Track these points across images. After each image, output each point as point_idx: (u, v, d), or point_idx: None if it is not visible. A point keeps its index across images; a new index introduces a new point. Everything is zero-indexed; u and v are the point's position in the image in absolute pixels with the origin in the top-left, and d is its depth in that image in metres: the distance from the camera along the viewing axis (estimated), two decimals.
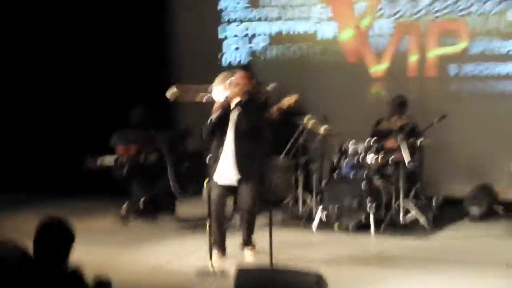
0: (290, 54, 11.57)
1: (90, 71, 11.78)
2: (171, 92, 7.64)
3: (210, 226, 7.46)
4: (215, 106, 7.48)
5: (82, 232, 8.95)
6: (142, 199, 9.91)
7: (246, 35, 11.75)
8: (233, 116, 7.62)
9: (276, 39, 11.61)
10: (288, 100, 9.14)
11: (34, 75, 12.09)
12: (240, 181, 7.63)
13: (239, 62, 11.65)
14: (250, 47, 11.76)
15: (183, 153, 10.20)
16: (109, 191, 10.45)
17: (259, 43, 11.71)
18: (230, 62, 11.74)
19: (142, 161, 9.98)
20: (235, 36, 11.82)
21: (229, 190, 7.78)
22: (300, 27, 11.47)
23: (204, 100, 7.60)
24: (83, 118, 11.79)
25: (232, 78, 7.46)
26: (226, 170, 7.62)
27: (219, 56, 11.88)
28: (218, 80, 7.44)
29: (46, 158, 11.79)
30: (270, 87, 7.45)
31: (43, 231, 4.53)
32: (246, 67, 10.51)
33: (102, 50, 11.75)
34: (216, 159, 7.63)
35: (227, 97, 7.50)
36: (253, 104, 7.67)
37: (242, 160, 7.57)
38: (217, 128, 7.58)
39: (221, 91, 7.41)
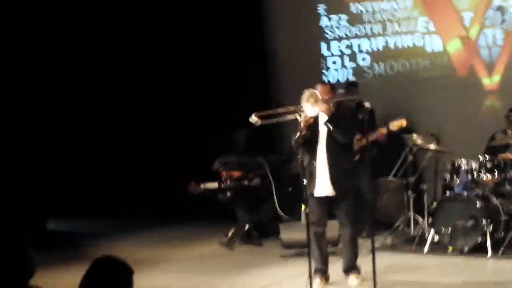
0: (397, 69, 10.87)
1: (194, 97, 11.47)
2: (252, 120, 7.05)
3: (310, 250, 6.91)
4: (302, 123, 6.95)
5: (185, 259, 8.99)
6: (247, 224, 9.52)
7: (350, 52, 11.12)
8: (323, 131, 7.11)
9: (381, 54, 10.95)
10: (398, 124, 8.76)
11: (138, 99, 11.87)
12: (336, 198, 7.13)
13: (346, 79, 10.98)
14: (355, 64, 11.11)
15: (286, 177, 9.70)
16: (214, 217, 10.16)
17: (365, 60, 11.05)
18: (334, 79, 11.11)
19: (246, 186, 9.62)
20: (340, 53, 11.19)
21: (328, 204, 7.22)
22: (406, 41, 10.74)
23: (299, 118, 6.97)
24: (185, 143, 11.45)
25: (315, 93, 6.89)
26: (323, 183, 7.12)
27: (322, 74, 11.30)
28: (303, 97, 6.85)
29: (149, 184, 11.56)
30: (367, 106, 6.88)
31: (95, 272, 3.84)
32: (350, 84, 10.07)
33: (205, 73, 11.43)
34: (310, 174, 7.10)
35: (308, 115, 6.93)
36: (341, 117, 7.14)
37: (337, 176, 7.09)
38: (304, 144, 7.07)
39: (310, 107, 6.86)
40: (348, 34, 11.08)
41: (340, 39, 11.16)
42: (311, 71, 11.27)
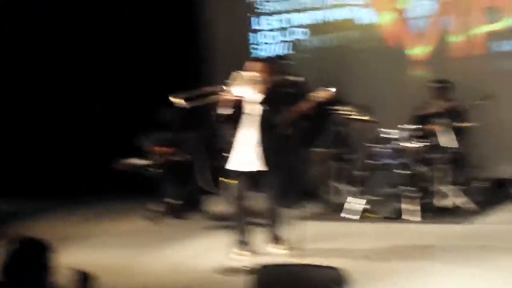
0: (328, 43, 10.83)
1: (117, 70, 11.23)
2: (177, 102, 6.98)
3: (234, 223, 6.99)
4: (227, 101, 6.87)
5: (113, 234, 8.82)
6: (174, 198, 9.40)
7: (286, 25, 10.99)
8: (252, 108, 6.99)
9: (313, 29, 10.86)
10: (324, 94, 8.48)
11: (55, 72, 11.53)
12: (262, 173, 7.05)
13: (276, 55, 10.83)
14: (286, 39, 11.03)
15: (212, 151, 9.43)
16: (141, 192, 9.81)
17: (301, 33, 10.94)
18: (265, 55, 11.01)
19: (174, 161, 9.44)
20: (270, 28, 11.08)
21: (253, 179, 7.13)
22: (337, 15, 10.70)
23: (223, 100, 6.92)
24: (111, 119, 11.26)
25: (250, 73, 6.86)
26: (250, 159, 7.02)
27: (253, 49, 11.22)
28: (236, 77, 6.80)
29: (74, 161, 11.31)
30: (300, 79, 6.81)
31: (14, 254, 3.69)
32: (272, 60, 9.96)
33: (131, 46, 11.21)
34: (237, 150, 7.04)
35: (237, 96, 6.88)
36: (277, 97, 7.09)
37: (265, 152, 7.01)
38: (231, 120, 7.00)
39: (242, 88, 6.81)
40: (283, 8, 10.99)
41: (276, 13, 11.05)
42: (243, 48, 11.16)
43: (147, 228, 9.07)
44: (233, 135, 7.03)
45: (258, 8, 11.14)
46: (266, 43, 11.10)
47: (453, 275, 6.06)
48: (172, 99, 6.93)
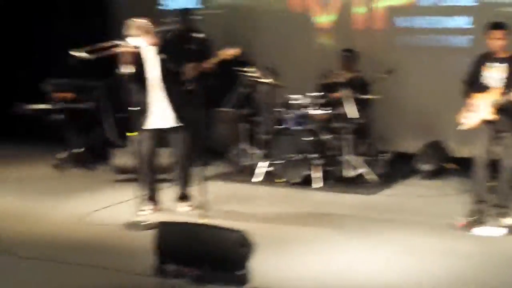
0: (238, 1, 10.73)
1: (20, 13, 10.98)
2: (78, 55, 6.82)
3: (141, 177, 6.91)
4: (124, 56, 6.75)
5: (14, 180, 8.63)
6: (78, 147, 9.31)
7: None
8: (153, 64, 6.95)
9: None
10: (230, 52, 8.44)
11: None
12: (170, 130, 7.07)
13: (183, 8, 10.52)
14: None
15: (119, 101, 9.26)
16: (45, 138, 9.74)
17: None
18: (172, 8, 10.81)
19: (79, 108, 9.31)
20: None
21: (160, 135, 7.12)
22: None
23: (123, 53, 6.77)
24: (17, 61, 10.96)
25: (141, 21, 6.79)
26: (158, 116, 7.00)
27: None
28: (130, 29, 6.68)
29: None
30: (201, 36, 6.78)
31: None
32: (183, 12, 9.91)
33: None
34: (144, 107, 6.98)
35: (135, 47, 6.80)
36: (176, 50, 7.14)
37: (174, 108, 7.02)
38: (135, 78, 6.89)
39: (137, 39, 6.71)
40: None
41: None
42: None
43: (51, 175, 8.92)
44: (137, 89, 6.93)
45: None
46: None
47: (348, 245, 6.22)
48: (72, 53, 6.75)
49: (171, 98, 6.95)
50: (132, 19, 6.79)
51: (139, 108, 6.90)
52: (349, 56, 9.06)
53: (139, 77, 6.89)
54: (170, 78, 6.94)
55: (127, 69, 6.77)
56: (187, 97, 7.23)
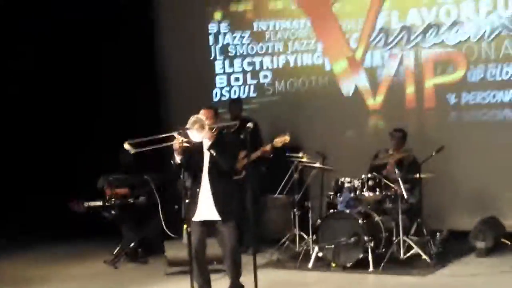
0: (286, 88, 10.88)
1: (78, 110, 11.24)
2: (126, 147, 6.89)
3: (192, 269, 6.83)
4: (176, 149, 6.84)
5: (70, 278, 8.68)
6: (132, 242, 9.32)
7: (252, 68, 11.09)
8: (207, 156, 6.99)
9: (274, 73, 10.98)
10: (281, 140, 8.73)
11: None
12: (219, 222, 7.02)
13: (231, 98, 10.89)
14: (248, 82, 11.14)
15: (172, 195, 9.39)
16: (99, 235, 9.95)
17: (266, 77, 11.06)
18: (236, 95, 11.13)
19: (131, 203, 9.37)
20: (241, 70, 11.17)
21: (209, 228, 7.09)
22: (300, 60, 10.78)
23: (183, 146, 6.83)
24: (68, 160, 11.19)
25: (200, 118, 6.80)
26: (205, 208, 6.99)
27: (212, 94, 11.33)
28: (189, 122, 6.74)
29: (30, 203, 11.13)
30: (249, 126, 6.82)
31: None
32: (233, 101, 10.10)
33: (92, 87, 11.25)
34: (193, 198, 6.99)
35: (182, 142, 6.81)
36: (224, 142, 6.98)
37: (220, 201, 6.98)
38: (187, 168, 6.96)
39: (195, 133, 6.74)
40: (250, 52, 11.06)
41: (242, 56, 11.11)
42: (203, 91, 11.23)
43: (106, 271, 8.92)
44: (188, 182, 6.96)
45: (230, 51, 11.20)
46: (238, 85, 11.15)
47: None
48: (125, 145, 6.85)
49: (217, 192, 6.95)
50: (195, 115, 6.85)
51: (189, 199, 6.91)
52: (400, 136, 9.00)
53: (192, 169, 6.93)
54: (219, 172, 6.94)
55: (175, 159, 6.84)
56: (235, 189, 7.23)
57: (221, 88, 11.24)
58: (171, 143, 6.85)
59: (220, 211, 6.94)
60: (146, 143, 6.84)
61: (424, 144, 9.17)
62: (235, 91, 11.15)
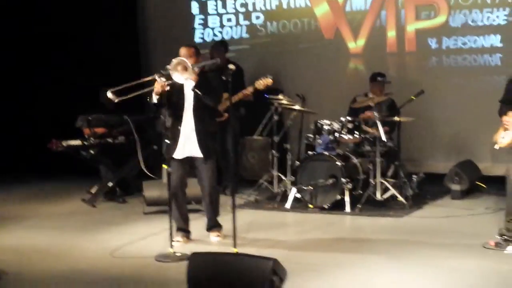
0: (279, 30, 10.77)
1: (55, 47, 11.15)
2: (109, 97, 6.88)
3: (170, 209, 6.86)
4: (155, 90, 6.79)
5: (47, 215, 8.70)
6: (110, 181, 9.29)
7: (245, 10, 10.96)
8: (189, 97, 6.95)
9: (247, 14, 10.88)
10: (263, 82, 8.70)
11: None
12: (199, 160, 7.01)
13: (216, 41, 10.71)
14: (223, 25, 11.07)
15: (151, 135, 9.47)
16: (77, 174, 9.93)
17: (232, 21, 11.01)
18: (228, 37, 11.03)
19: (110, 143, 9.31)
20: (234, 11, 11.02)
21: (189, 165, 7.10)
22: (273, 2, 10.72)
23: (165, 89, 6.78)
24: (47, 99, 11.14)
25: (179, 59, 6.72)
26: (188, 145, 6.98)
27: (193, 33, 11.24)
28: (172, 64, 6.66)
29: (9, 140, 11.17)
30: (230, 67, 6.77)
31: None
32: (218, 44, 10.01)
33: (67, 23, 11.14)
34: (174, 137, 6.96)
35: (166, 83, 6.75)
36: (207, 82, 6.93)
37: (203, 139, 6.97)
38: (169, 108, 6.90)
39: (179, 75, 6.67)
40: None
41: None
42: (177, 30, 11.15)
43: (84, 210, 8.91)
44: (169, 122, 6.92)
45: None
46: (229, 26, 11.01)
47: (383, 269, 6.09)
48: (108, 93, 6.83)
49: (200, 130, 6.93)
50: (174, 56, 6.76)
51: (170, 138, 6.89)
52: (380, 80, 8.98)
53: (172, 108, 6.90)
54: (202, 112, 6.93)
55: (153, 99, 6.80)
56: (217, 129, 7.24)
57: (213, 29, 11.11)
58: (153, 87, 6.78)
59: (202, 149, 6.92)
60: (129, 90, 6.80)
61: (404, 88, 9.18)
62: (226, 32, 11.04)
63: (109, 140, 9.31)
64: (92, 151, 9.25)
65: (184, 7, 11.24)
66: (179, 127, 6.93)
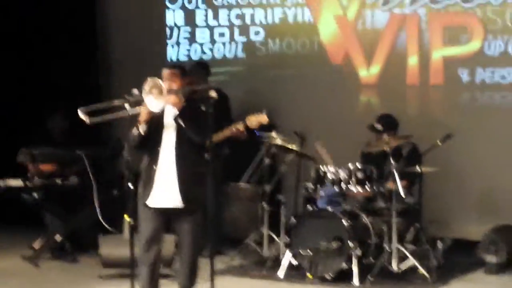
0: (258, 51, 10.82)
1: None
2: (81, 116, 6.82)
3: (133, 272, 6.78)
4: (141, 117, 6.76)
5: None
6: (58, 234, 9.25)
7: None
8: (170, 128, 6.88)
9: (243, 29, 10.92)
10: (256, 119, 8.61)
11: None
12: (182, 211, 6.91)
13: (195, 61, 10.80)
14: (215, 41, 11.09)
15: (112, 176, 9.45)
16: (17, 223, 9.99)
17: (226, 36, 11.02)
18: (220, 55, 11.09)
19: (60, 184, 9.31)
20: (228, 24, 11.03)
21: (167, 217, 6.99)
22: (276, 15, 10.74)
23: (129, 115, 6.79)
24: None
25: (157, 82, 6.70)
26: (165, 193, 6.89)
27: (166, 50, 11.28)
28: (146, 88, 6.63)
29: None
30: (211, 94, 6.70)
31: None
32: (199, 64, 10.05)
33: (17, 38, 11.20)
34: (148, 180, 6.90)
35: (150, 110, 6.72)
36: (195, 111, 6.87)
37: (186, 185, 6.88)
38: (145, 143, 6.86)
39: (153, 100, 6.63)
40: (240, 2, 10.94)
41: (229, 7, 10.99)
42: (152, 49, 11.18)
43: (23, 270, 8.88)
44: (147, 160, 6.89)
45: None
46: (222, 42, 11.03)
47: None
48: (80, 112, 6.75)
49: (184, 174, 6.85)
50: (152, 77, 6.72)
51: (143, 181, 6.87)
52: (377, 129, 8.93)
53: (151, 143, 6.85)
54: (187, 148, 6.87)
55: (136, 130, 6.75)
56: (204, 172, 6.98)
57: (201, 45, 11.12)
58: (130, 113, 6.73)
59: (185, 197, 6.83)
60: (103, 111, 6.79)
61: (428, 130, 9.21)
62: (218, 49, 11.05)
63: (58, 181, 9.28)
64: (36, 194, 9.22)
65: (156, 14, 11.26)
66: (154, 167, 6.86)
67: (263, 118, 8.60)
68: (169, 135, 6.88)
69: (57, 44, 11.04)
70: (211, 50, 11.04)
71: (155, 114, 6.74)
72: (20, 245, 9.50)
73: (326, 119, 10.25)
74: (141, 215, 6.89)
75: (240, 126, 8.78)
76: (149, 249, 6.92)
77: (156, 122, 6.83)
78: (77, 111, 6.76)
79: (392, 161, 8.33)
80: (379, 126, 8.91)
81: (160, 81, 6.66)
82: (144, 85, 6.58)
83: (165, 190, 6.86)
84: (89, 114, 6.75)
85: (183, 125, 6.78)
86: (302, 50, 10.59)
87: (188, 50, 11.17)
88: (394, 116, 9.03)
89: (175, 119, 6.81)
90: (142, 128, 6.74)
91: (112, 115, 6.84)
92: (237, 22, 10.90)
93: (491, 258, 8.72)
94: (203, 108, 6.71)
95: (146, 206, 6.88)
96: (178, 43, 11.21)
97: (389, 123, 8.95)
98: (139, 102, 6.64)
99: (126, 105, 6.69)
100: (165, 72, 6.90)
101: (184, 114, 6.79)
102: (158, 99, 6.61)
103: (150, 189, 6.87)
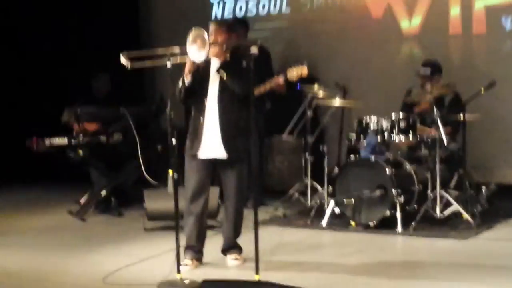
0: (302, 9, 10.84)
1: (39, 28, 11.35)
2: (122, 62, 6.84)
3: (178, 224, 6.67)
4: (186, 68, 6.79)
5: (28, 230, 8.72)
6: (104, 189, 9.40)
7: None
8: (214, 81, 6.92)
9: None
10: (297, 72, 8.61)
11: None
12: (226, 162, 6.95)
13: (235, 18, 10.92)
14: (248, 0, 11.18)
15: (155, 133, 9.55)
16: (63, 180, 10.10)
17: None
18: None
19: (104, 142, 9.39)
20: None
21: (213, 169, 7.05)
22: None
23: (169, 65, 6.70)
24: (29, 90, 11.35)
25: (202, 33, 6.65)
26: (211, 144, 6.93)
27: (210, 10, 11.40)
28: (190, 38, 6.62)
29: None
30: (252, 50, 6.70)
31: None
32: (238, 22, 10.00)
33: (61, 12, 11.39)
34: (195, 132, 6.95)
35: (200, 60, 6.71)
36: (238, 65, 6.89)
37: (228, 136, 6.91)
38: (191, 95, 6.90)
39: (195, 51, 6.61)
40: None
41: None
42: (194, 8, 11.28)
43: (71, 225, 8.98)
44: (193, 112, 6.94)
45: None
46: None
47: None
48: (122, 57, 6.77)
49: (227, 126, 6.89)
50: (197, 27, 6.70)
51: (190, 134, 6.93)
52: (423, 74, 8.95)
53: (197, 96, 6.91)
54: (230, 101, 6.90)
55: (188, 83, 6.78)
56: (247, 124, 7.09)
57: (247, 2, 11.21)
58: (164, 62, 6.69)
59: (228, 149, 6.87)
60: (145, 58, 6.79)
61: (471, 79, 9.23)
62: (263, 6, 11.10)
63: (103, 138, 9.36)
64: (81, 152, 9.31)
65: None
66: (201, 119, 6.91)
67: (303, 70, 8.62)
68: (213, 88, 6.92)
69: (100, 4, 11.13)
70: (256, 6, 11.06)
71: (200, 65, 6.78)
72: (67, 201, 9.61)
73: (368, 72, 10.33)
74: (188, 166, 6.96)
75: (280, 79, 8.82)
76: (197, 199, 6.99)
77: (201, 75, 6.87)
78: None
79: (435, 109, 8.30)
80: (427, 70, 8.90)
81: (204, 31, 6.65)
82: (189, 35, 6.59)
83: (210, 142, 6.90)
84: (131, 60, 6.77)
85: (224, 77, 6.81)
86: (346, 5, 10.62)
87: (234, 7, 11.21)
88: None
89: (218, 70, 6.85)
90: (187, 80, 6.78)
91: (154, 62, 6.83)
92: None
93: None
94: (244, 63, 6.73)
95: (193, 157, 6.94)
96: (223, 1, 11.27)
97: (436, 66, 8.95)
98: (182, 53, 6.64)
99: (169, 54, 6.67)
100: (212, 26, 6.93)
101: (226, 66, 6.83)
102: (201, 50, 6.61)
103: (197, 140, 6.92)
